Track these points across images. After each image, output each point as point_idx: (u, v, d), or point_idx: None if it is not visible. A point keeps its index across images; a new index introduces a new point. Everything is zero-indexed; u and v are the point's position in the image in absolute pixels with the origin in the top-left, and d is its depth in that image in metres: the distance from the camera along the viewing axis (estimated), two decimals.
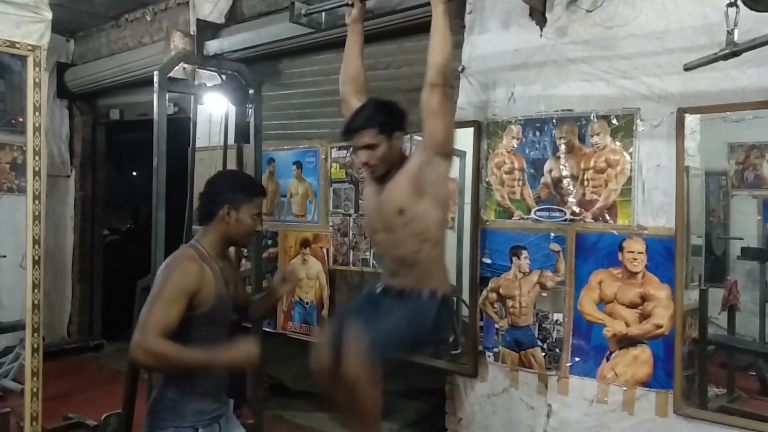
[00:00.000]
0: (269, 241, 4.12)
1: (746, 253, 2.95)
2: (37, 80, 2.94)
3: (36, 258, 2.92)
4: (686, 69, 2.08)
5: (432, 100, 2.15)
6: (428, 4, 2.25)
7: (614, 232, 2.59)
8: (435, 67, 2.15)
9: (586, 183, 2.68)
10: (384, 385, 2.12)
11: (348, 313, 2.29)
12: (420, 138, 2.42)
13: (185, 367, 1.82)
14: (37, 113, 2.94)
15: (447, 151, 2.21)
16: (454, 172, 3.42)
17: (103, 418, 3.21)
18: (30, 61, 2.94)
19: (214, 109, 3.98)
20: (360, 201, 3.67)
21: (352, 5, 2.56)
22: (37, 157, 2.93)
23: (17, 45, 2.93)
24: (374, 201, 2.30)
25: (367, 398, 2.04)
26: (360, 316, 2.15)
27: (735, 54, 1.95)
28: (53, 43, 3.21)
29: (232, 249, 2.26)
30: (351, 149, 3.70)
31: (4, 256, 4.48)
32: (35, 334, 2.91)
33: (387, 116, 2.21)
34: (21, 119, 4.64)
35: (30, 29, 2.98)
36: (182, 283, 1.84)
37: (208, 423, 1.91)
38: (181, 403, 1.89)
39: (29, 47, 2.95)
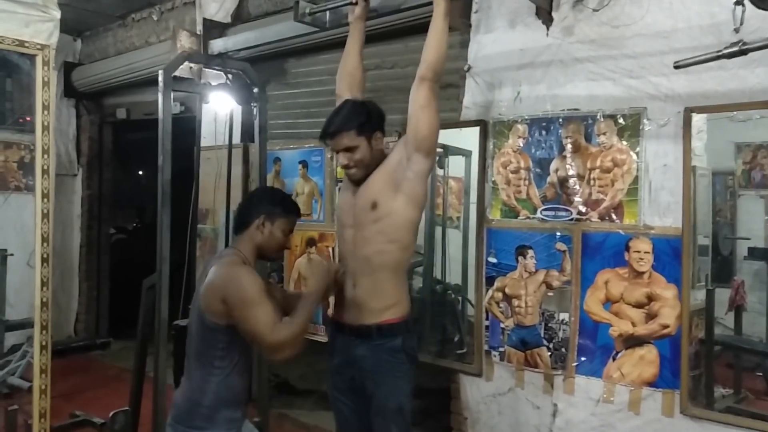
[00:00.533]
0: None
1: (753, 253, 2.93)
2: (45, 79, 2.96)
3: (44, 256, 2.94)
4: (676, 67, 2.08)
5: (419, 93, 2.14)
6: (432, 3, 2.25)
7: (621, 231, 2.59)
8: (426, 62, 2.15)
9: (592, 182, 2.67)
10: None
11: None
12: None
13: (309, 322, 1.99)
14: (45, 112, 2.96)
15: (428, 148, 2.15)
16: (460, 172, 3.43)
17: (110, 415, 3.23)
18: (39, 60, 2.96)
19: (220, 108, 3.99)
20: None
21: (356, 4, 2.57)
22: (45, 156, 2.95)
23: (26, 44, 2.95)
24: (349, 197, 2.26)
25: None
26: None
27: (743, 53, 1.94)
28: (60, 42, 3.22)
29: None
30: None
31: (12, 255, 4.51)
32: (44, 332, 2.93)
33: (365, 117, 2.19)
34: (29, 118, 4.67)
35: (39, 28, 2.99)
36: (257, 282, 1.91)
37: (236, 430, 1.97)
38: (217, 412, 1.92)
39: (38, 46, 2.97)
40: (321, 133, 2.24)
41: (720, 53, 1.95)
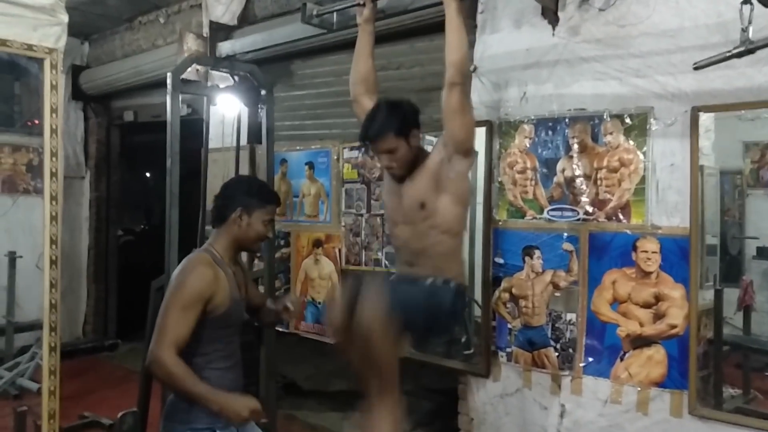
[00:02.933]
0: (282, 242, 4.14)
1: (762, 252, 2.92)
2: (53, 83, 2.98)
3: (53, 258, 2.95)
4: (696, 68, 2.06)
5: (452, 98, 2.15)
6: (440, 3, 2.26)
7: (628, 231, 2.58)
8: (453, 66, 2.15)
9: (599, 182, 2.66)
10: (400, 352, 2.11)
11: (365, 279, 2.28)
12: (433, 138, 2.42)
13: (187, 394, 1.84)
14: (53, 115, 2.97)
15: (467, 149, 2.21)
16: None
17: (119, 416, 3.24)
18: (47, 63, 2.98)
19: (227, 110, 4.01)
20: (372, 201, 3.68)
21: (364, 5, 2.57)
22: (54, 159, 2.97)
23: (34, 48, 2.96)
24: (395, 195, 2.31)
25: (381, 355, 2.03)
26: (377, 284, 2.17)
27: (750, 51, 1.93)
28: (68, 45, 3.23)
29: (243, 253, 2.28)
30: (362, 150, 3.71)
31: (21, 257, 4.55)
32: (53, 333, 2.94)
33: (401, 118, 2.21)
34: (37, 121, 4.71)
35: (47, 32, 3.01)
36: (197, 288, 1.88)
37: (225, 425, 1.93)
38: (195, 405, 1.90)
39: (46, 50, 2.98)
40: (360, 135, 2.27)
41: (738, 51, 1.93)
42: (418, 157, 2.25)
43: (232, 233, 2.01)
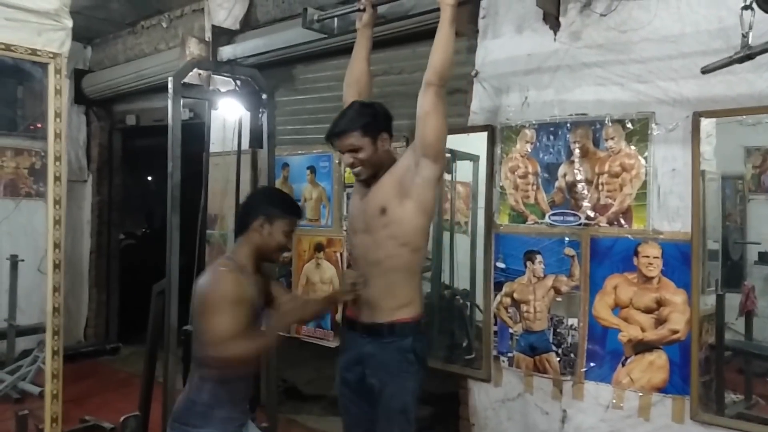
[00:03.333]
0: None
1: (764, 258, 2.91)
2: (58, 87, 3.00)
3: (56, 262, 2.96)
4: (704, 72, 2.06)
5: (425, 98, 2.14)
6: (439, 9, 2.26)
7: (629, 236, 2.58)
8: (432, 67, 2.15)
9: (600, 187, 2.67)
10: None
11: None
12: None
13: (265, 349, 1.97)
14: (57, 119, 2.99)
15: (436, 154, 2.15)
16: (468, 177, 3.44)
17: (121, 420, 3.24)
18: (51, 68, 3.00)
19: (229, 114, 4.01)
20: None
21: (364, 10, 2.58)
22: (57, 163, 2.98)
23: (39, 52, 2.99)
24: (359, 202, 2.28)
25: None
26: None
27: (749, 57, 1.94)
28: (71, 50, 3.25)
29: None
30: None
31: (23, 260, 4.55)
32: (55, 337, 2.95)
33: (370, 118, 2.19)
34: (39, 125, 4.73)
35: (51, 37, 3.03)
36: (237, 290, 1.89)
37: (239, 428, 1.97)
38: (212, 410, 1.92)
39: (50, 55, 3.00)
40: (327, 133, 2.25)
41: (743, 54, 1.93)
42: (386, 162, 2.21)
43: (253, 242, 2.03)
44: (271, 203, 2.06)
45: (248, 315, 1.91)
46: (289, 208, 2.10)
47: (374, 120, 2.20)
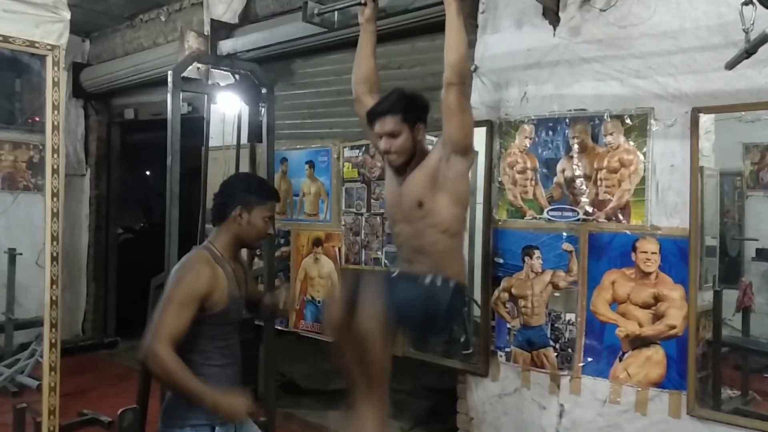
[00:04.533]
0: (282, 240, 4.14)
1: (761, 254, 2.92)
2: (55, 79, 2.99)
3: (54, 255, 2.96)
4: (729, 68, 2.03)
5: (449, 98, 2.15)
6: (441, 3, 2.25)
7: (627, 232, 2.59)
8: (450, 66, 2.15)
9: (599, 183, 2.67)
10: (393, 353, 2.12)
11: (364, 277, 2.29)
12: (433, 137, 2.42)
13: (181, 389, 1.84)
14: (55, 112, 2.98)
15: (465, 149, 2.21)
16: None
17: (119, 412, 3.24)
18: (49, 60, 2.99)
19: (228, 108, 4.01)
20: (372, 200, 3.68)
21: (365, 4, 2.57)
22: (55, 155, 2.98)
23: (36, 44, 2.97)
24: (394, 192, 2.32)
25: (375, 355, 2.03)
26: (376, 283, 2.17)
27: (748, 53, 1.93)
28: (69, 43, 3.23)
29: (243, 250, 2.27)
30: (363, 148, 3.72)
31: (21, 254, 4.55)
32: (53, 330, 2.95)
33: (412, 105, 2.23)
34: (37, 118, 4.72)
35: (49, 29, 3.02)
36: (194, 286, 1.88)
37: (222, 422, 1.93)
38: (195, 401, 1.90)
39: (48, 47, 2.99)
40: (368, 114, 2.27)
41: (753, 47, 1.91)
42: (419, 152, 2.25)
43: (232, 231, 2.02)
44: (247, 190, 2.03)
45: (194, 315, 1.86)
46: (266, 193, 2.08)
47: (414, 109, 2.23)
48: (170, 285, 1.91)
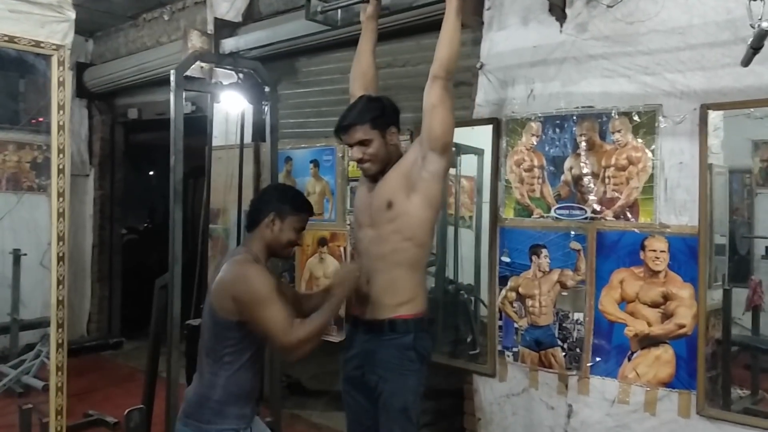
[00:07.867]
0: None
1: None
2: (61, 79, 2.99)
3: (60, 255, 2.96)
4: (744, 65, 2.01)
5: (432, 91, 2.12)
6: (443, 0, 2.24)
7: (636, 230, 2.56)
8: (438, 60, 2.13)
9: (607, 181, 2.65)
10: None
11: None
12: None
13: (327, 325, 1.99)
14: (61, 112, 2.98)
15: (442, 147, 2.12)
16: (472, 170, 3.42)
17: (126, 412, 3.24)
18: (54, 60, 2.99)
19: (231, 107, 4.00)
20: None
21: (368, 2, 2.56)
22: (61, 155, 2.98)
23: (42, 44, 2.97)
24: (365, 196, 2.26)
25: None
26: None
27: (753, 49, 1.91)
28: (72, 43, 3.24)
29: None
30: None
31: (26, 254, 4.55)
32: (59, 330, 2.95)
33: (379, 111, 2.18)
34: (41, 119, 4.71)
35: (54, 29, 3.02)
36: (266, 278, 1.91)
37: (246, 427, 1.97)
38: (226, 407, 1.92)
39: (53, 46, 2.99)
40: (335, 127, 2.24)
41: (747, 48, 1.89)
42: (394, 156, 2.20)
43: (264, 238, 2.03)
44: (282, 200, 2.06)
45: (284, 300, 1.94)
46: (300, 204, 2.10)
47: (383, 114, 2.18)
48: (242, 288, 1.89)
